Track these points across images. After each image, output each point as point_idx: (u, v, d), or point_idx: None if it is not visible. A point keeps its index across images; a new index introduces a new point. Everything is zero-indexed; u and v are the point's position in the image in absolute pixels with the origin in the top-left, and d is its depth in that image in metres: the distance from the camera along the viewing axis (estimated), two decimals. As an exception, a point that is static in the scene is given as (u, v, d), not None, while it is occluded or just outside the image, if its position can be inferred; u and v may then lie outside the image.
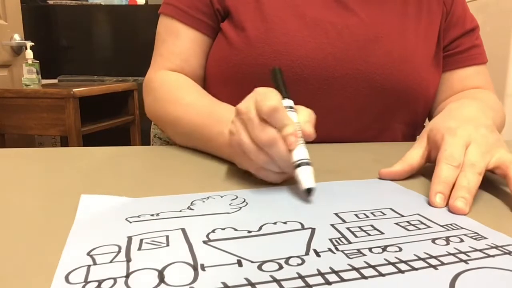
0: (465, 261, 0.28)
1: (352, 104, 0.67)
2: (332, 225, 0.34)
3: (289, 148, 0.41)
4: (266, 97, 0.41)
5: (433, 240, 0.32)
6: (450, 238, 0.32)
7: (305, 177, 0.40)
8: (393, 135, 0.71)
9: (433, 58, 0.72)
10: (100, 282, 0.26)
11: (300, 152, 0.41)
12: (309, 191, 0.40)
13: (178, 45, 0.69)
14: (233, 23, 0.67)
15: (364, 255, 0.29)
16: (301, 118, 0.44)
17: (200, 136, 0.57)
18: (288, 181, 0.46)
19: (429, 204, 0.39)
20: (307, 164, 0.41)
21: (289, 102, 0.45)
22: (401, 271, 0.27)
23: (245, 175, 0.48)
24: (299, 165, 0.41)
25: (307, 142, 0.43)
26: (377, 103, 0.68)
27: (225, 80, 0.68)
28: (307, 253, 0.29)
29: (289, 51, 0.63)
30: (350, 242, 0.31)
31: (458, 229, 0.34)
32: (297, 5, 0.65)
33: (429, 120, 0.65)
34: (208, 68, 0.72)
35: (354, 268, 0.27)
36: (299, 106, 0.46)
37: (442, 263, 0.28)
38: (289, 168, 0.42)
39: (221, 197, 0.41)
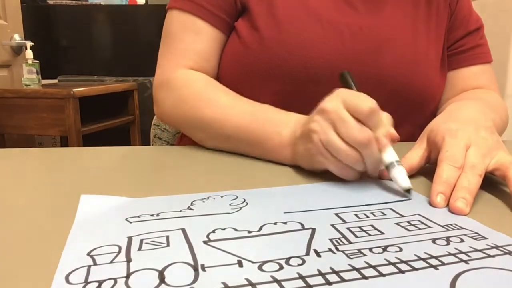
0: (466, 261, 0.28)
1: None
2: (333, 225, 0.34)
3: (381, 149, 0.43)
4: (359, 98, 0.43)
5: (434, 240, 0.32)
6: (451, 238, 0.32)
7: (402, 178, 0.42)
8: (402, 136, 0.71)
9: (440, 59, 0.72)
10: (100, 282, 0.26)
11: (391, 153, 0.44)
12: (408, 190, 0.42)
13: (198, 43, 0.66)
14: (248, 22, 0.66)
15: (364, 255, 0.29)
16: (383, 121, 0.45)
17: (244, 138, 0.56)
18: (288, 182, 0.46)
19: (430, 204, 0.40)
20: (400, 164, 0.43)
21: None
22: (401, 271, 0.27)
23: (245, 175, 0.48)
24: (393, 166, 0.43)
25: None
26: (388, 105, 0.67)
27: (239, 81, 0.67)
28: (307, 253, 0.29)
29: (303, 52, 0.63)
30: (350, 242, 0.31)
31: (458, 229, 0.34)
32: (311, 7, 0.65)
33: (434, 119, 0.66)
34: (221, 69, 0.70)
35: (354, 268, 0.27)
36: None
37: (443, 263, 0.28)
38: (375, 167, 0.45)
39: (221, 197, 0.41)
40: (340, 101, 0.44)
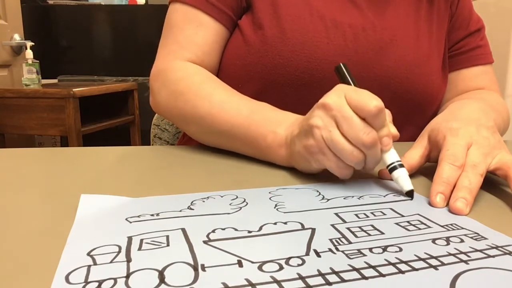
0: (466, 262, 0.28)
1: None
2: (333, 225, 0.34)
3: (384, 149, 0.43)
4: (363, 96, 0.41)
5: (434, 240, 0.32)
6: (451, 239, 0.32)
7: (404, 180, 0.42)
8: (404, 138, 0.71)
9: (442, 60, 0.72)
10: (100, 282, 0.26)
11: (393, 154, 0.43)
12: (409, 192, 0.41)
13: (200, 36, 0.65)
14: (252, 20, 0.65)
15: (364, 255, 0.29)
16: None
17: (238, 135, 0.54)
18: (289, 182, 0.46)
19: (430, 204, 0.39)
20: (401, 166, 0.43)
21: None
22: (401, 272, 0.27)
23: (245, 175, 0.48)
24: (394, 168, 0.43)
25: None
26: (390, 106, 0.67)
27: (238, 78, 0.66)
28: (307, 254, 0.29)
29: (306, 52, 0.62)
30: (350, 242, 0.31)
31: (458, 229, 0.34)
32: (314, 6, 0.64)
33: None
34: (222, 66, 0.69)
35: (354, 269, 0.27)
36: None
37: (443, 264, 0.28)
38: (374, 166, 0.44)
39: (221, 197, 0.41)
40: (342, 97, 0.42)
